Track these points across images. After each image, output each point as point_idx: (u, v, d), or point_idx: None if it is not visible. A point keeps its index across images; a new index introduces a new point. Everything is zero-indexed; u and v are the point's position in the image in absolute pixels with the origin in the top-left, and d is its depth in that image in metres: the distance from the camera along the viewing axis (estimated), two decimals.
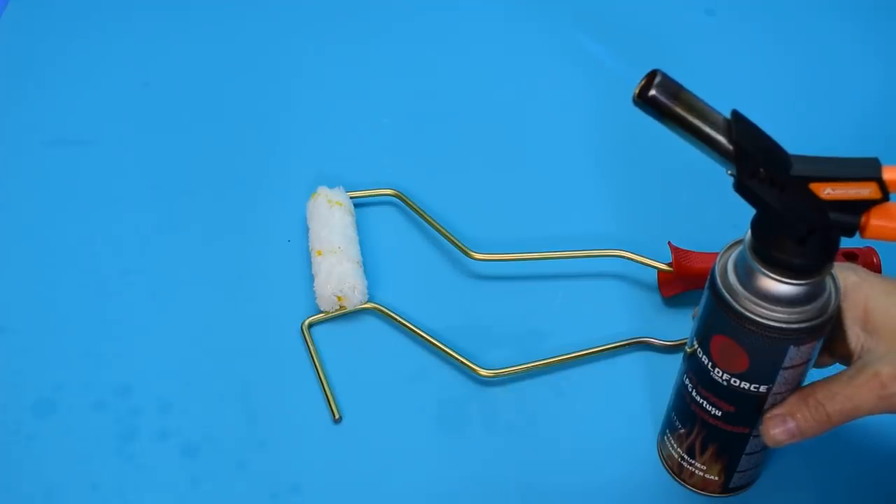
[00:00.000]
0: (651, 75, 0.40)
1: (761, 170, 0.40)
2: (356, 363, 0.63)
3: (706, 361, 0.47)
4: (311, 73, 0.78)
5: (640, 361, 0.62)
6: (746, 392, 0.46)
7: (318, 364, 0.61)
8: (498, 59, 0.78)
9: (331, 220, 0.65)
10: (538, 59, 0.79)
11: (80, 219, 0.69)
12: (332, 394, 0.59)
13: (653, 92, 0.40)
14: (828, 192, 0.40)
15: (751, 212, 0.43)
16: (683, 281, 0.63)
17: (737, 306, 0.44)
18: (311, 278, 0.64)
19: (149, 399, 0.61)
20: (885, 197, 0.40)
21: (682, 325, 0.64)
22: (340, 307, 0.63)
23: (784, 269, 0.42)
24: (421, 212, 0.67)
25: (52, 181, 0.72)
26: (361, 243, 0.66)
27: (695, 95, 0.40)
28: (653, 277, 0.65)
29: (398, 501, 0.58)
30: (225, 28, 0.81)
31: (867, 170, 0.40)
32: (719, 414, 0.48)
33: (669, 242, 0.64)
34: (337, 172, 0.71)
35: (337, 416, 0.59)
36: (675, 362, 0.53)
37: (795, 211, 0.40)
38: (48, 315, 0.65)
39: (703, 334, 0.47)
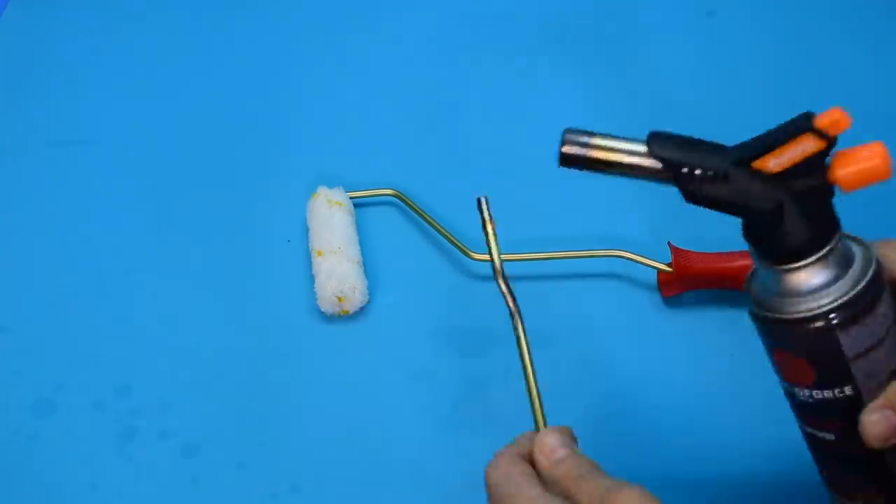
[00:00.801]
0: (561, 137, 0.41)
1: (696, 171, 0.39)
2: (356, 362, 0.63)
3: (786, 388, 0.43)
4: (311, 73, 0.78)
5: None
6: (837, 399, 0.41)
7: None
8: (498, 59, 0.78)
9: (331, 220, 0.65)
10: (538, 61, 0.79)
11: (80, 219, 0.69)
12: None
13: (564, 151, 0.40)
14: (773, 163, 0.38)
15: None
16: (683, 281, 0.63)
17: (761, 313, 0.41)
18: (312, 278, 0.64)
19: (149, 399, 0.61)
20: (831, 142, 0.37)
21: (681, 324, 0.64)
22: (342, 308, 0.63)
23: (784, 255, 0.39)
24: (421, 212, 0.67)
25: (51, 181, 0.72)
26: (361, 243, 0.66)
27: (607, 135, 0.40)
28: (653, 277, 0.65)
29: (398, 501, 0.58)
30: (225, 28, 0.81)
31: (798, 125, 0.38)
32: (834, 437, 0.43)
33: (669, 243, 0.64)
34: (337, 172, 0.71)
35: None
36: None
37: (752, 195, 0.38)
38: (48, 315, 0.65)
39: (769, 358, 0.43)
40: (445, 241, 0.67)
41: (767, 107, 0.74)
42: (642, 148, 0.40)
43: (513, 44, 0.79)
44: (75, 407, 0.61)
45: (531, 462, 0.43)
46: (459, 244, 0.65)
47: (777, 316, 0.40)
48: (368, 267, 0.65)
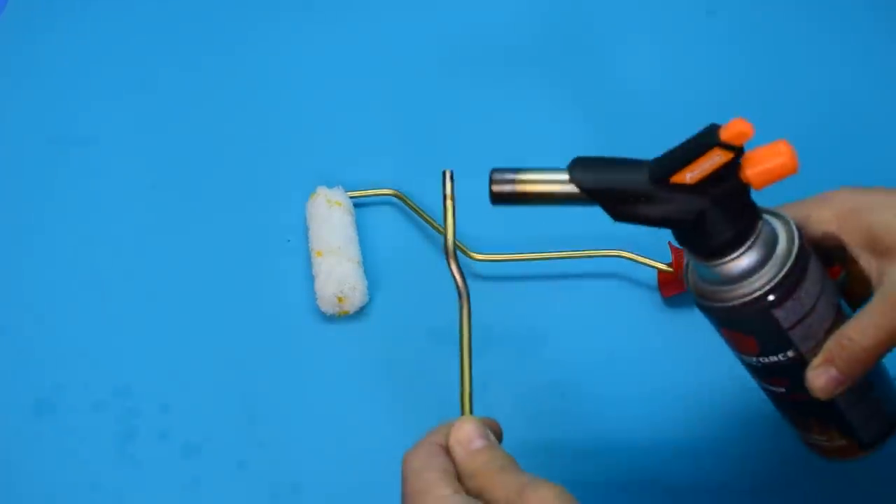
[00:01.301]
0: (489, 177, 0.43)
1: (620, 195, 0.42)
2: (356, 362, 0.63)
3: (736, 355, 0.47)
4: (311, 72, 0.78)
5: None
6: (781, 363, 0.45)
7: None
8: (495, 58, 0.78)
9: (330, 220, 0.65)
10: (537, 59, 0.79)
11: (81, 219, 0.69)
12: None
13: (494, 190, 0.43)
14: (689, 177, 0.40)
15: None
16: (684, 281, 0.63)
17: (701, 302, 0.45)
18: (312, 278, 0.64)
19: (149, 399, 0.61)
20: (738, 152, 0.39)
21: (682, 324, 0.64)
22: (342, 308, 0.63)
23: (713, 252, 0.42)
24: (421, 211, 0.67)
25: (51, 181, 0.72)
26: (361, 243, 0.66)
27: (533, 169, 0.43)
28: (653, 278, 0.65)
29: (397, 501, 0.58)
30: (225, 28, 0.81)
31: (706, 139, 0.40)
32: (784, 391, 0.47)
33: (669, 242, 0.64)
34: (336, 172, 0.71)
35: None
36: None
37: (674, 210, 0.41)
38: (48, 315, 0.65)
39: (717, 334, 0.47)
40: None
41: (767, 106, 0.75)
42: (566, 176, 0.42)
43: (511, 43, 0.79)
44: (75, 407, 0.61)
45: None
46: (459, 244, 0.65)
47: (715, 304, 0.44)
48: (368, 267, 0.65)
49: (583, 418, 0.60)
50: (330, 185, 0.68)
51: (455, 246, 0.46)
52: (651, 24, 0.80)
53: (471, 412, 0.45)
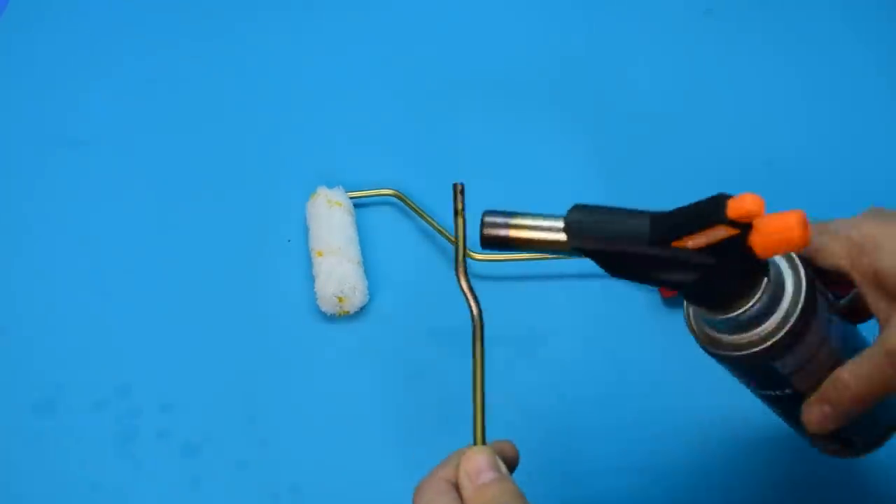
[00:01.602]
0: (481, 220, 0.41)
1: (617, 255, 0.40)
2: (356, 362, 0.63)
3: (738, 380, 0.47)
4: (311, 73, 0.78)
5: None
6: (777, 395, 0.45)
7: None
8: (496, 60, 0.78)
9: (330, 220, 0.65)
10: (538, 59, 0.79)
11: (81, 219, 0.69)
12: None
13: (486, 233, 0.41)
14: (691, 244, 0.38)
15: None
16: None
17: (702, 345, 0.44)
18: (312, 279, 0.64)
19: (149, 399, 0.61)
20: (745, 228, 0.37)
21: (681, 324, 0.63)
22: (342, 308, 0.63)
23: (715, 307, 0.41)
24: (421, 212, 0.67)
25: (52, 181, 0.72)
26: (361, 243, 0.66)
27: (527, 214, 0.41)
28: None
29: (397, 501, 0.58)
30: (225, 28, 0.81)
31: (712, 213, 0.38)
32: (781, 411, 0.48)
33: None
34: (336, 172, 0.71)
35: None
36: None
37: (675, 272, 0.39)
38: (48, 315, 0.65)
39: None
40: (445, 241, 0.67)
41: (767, 105, 0.75)
42: (561, 225, 0.40)
43: (512, 44, 0.79)
44: (75, 407, 0.61)
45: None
46: None
47: (716, 351, 0.43)
48: (368, 267, 0.65)
49: (583, 418, 0.60)
50: (330, 186, 0.68)
51: (466, 265, 0.45)
52: (652, 23, 0.80)
53: (483, 441, 0.44)
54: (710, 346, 0.43)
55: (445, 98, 0.76)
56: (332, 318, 0.64)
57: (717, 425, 0.60)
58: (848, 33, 0.79)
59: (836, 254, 0.42)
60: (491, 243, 0.42)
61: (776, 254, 0.38)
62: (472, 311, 0.45)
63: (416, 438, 0.60)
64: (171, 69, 0.78)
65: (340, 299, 0.62)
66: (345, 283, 0.62)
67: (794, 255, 0.42)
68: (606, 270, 0.41)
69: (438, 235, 0.67)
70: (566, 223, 0.40)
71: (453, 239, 0.65)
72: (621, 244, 0.39)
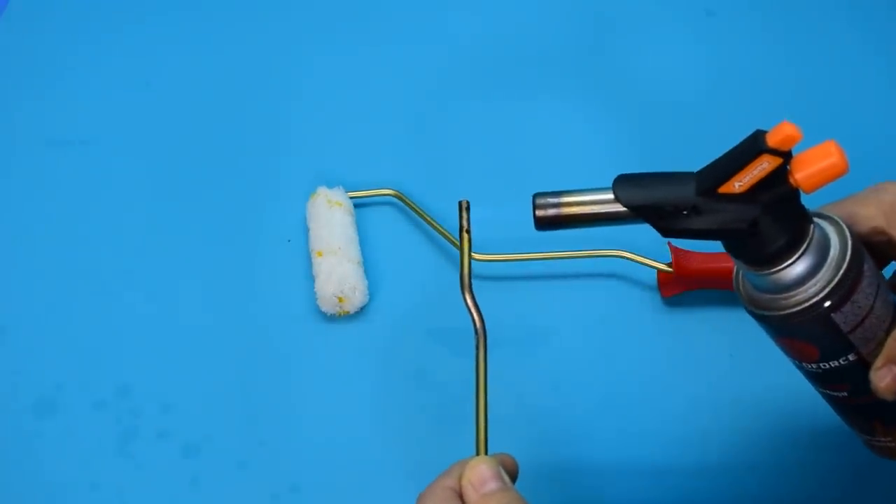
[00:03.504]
0: (532, 203, 0.43)
1: (667, 209, 0.41)
2: (356, 362, 0.63)
3: (795, 363, 0.46)
4: (311, 73, 0.78)
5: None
6: (843, 366, 0.44)
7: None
8: (496, 60, 0.78)
9: (331, 220, 0.65)
10: (536, 59, 0.79)
11: (81, 218, 0.69)
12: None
13: (539, 215, 0.43)
14: (737, 186, 0.40)
15: None
16: (683, 281, 0.63)
17: (755, 311, 0.44)
18: (312, 278, 0.64)
19: (149, 399, 0.61)
20: (787, 157, 0.39)
21: (681, 324, 0.64)
22: (342, 308, 0.63)
23: (766, 260, 0.41)
24: (421, 212, 0.67)
25: (52, 181, 0.72)
26: (361, 243, 0.66)
27: (575, 191, 0.43)
28: (653, 278, 0.65)
29: (397, 501, 0.58)
30: (225, 28, 0.81)
31: (753, 146, 0.39)
32: (846, 394, 0.47)
33: (669, 243, 0.64)
34: (336, 172, 0.71)
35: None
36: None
37: (724, 220, 0.40)
38: (48, 315, 0.65)
39: (773, 342, 0.46)
40: (445, 241, 0.67)
41: (767, 105, 0.75)
42: (611, 196, 0.42)
43: (512, 46, 0.79)
44: (75, 407, 0.61)
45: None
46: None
47: (771, 313, 0.43)
48: (368, 267, 0.65)
49: (582, 417, 0.60)
50: (330, 186, 0.68)
51: (471, 281, 0.46)
52: (651, 24, 0.80)
53: (486, 450, 0.44)
54: (767, 310, 0.43)
55: (444, 96, 0.76)
56: (331, 319, 0.64)
57: (718, 425, 0.60)
58: (850, 34, 0.79)
59: (870, 216, 0.44)
60: (545, 224, 0.43)
61: (821, 185, 0.39)
62: (475, 326, 0.47)
63: (416, 438, 0.60)
64: (171, 69, 0.78)
65: (340, 299, 0.62)
66: (345, 283, 0.62)
67: (832, 214, 0.43)
68: (658, 229, 0.42)
69: (438, 235, 0.67)
70: (615, 190, 0.42)
71: (453, 239, 0.65)
72: (670, 198, 0.41)
